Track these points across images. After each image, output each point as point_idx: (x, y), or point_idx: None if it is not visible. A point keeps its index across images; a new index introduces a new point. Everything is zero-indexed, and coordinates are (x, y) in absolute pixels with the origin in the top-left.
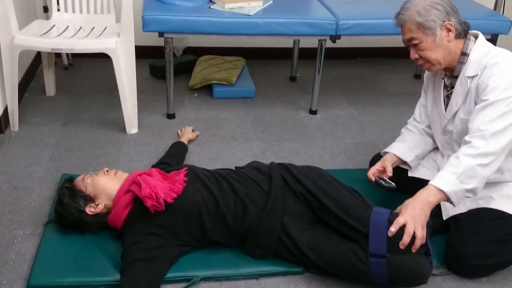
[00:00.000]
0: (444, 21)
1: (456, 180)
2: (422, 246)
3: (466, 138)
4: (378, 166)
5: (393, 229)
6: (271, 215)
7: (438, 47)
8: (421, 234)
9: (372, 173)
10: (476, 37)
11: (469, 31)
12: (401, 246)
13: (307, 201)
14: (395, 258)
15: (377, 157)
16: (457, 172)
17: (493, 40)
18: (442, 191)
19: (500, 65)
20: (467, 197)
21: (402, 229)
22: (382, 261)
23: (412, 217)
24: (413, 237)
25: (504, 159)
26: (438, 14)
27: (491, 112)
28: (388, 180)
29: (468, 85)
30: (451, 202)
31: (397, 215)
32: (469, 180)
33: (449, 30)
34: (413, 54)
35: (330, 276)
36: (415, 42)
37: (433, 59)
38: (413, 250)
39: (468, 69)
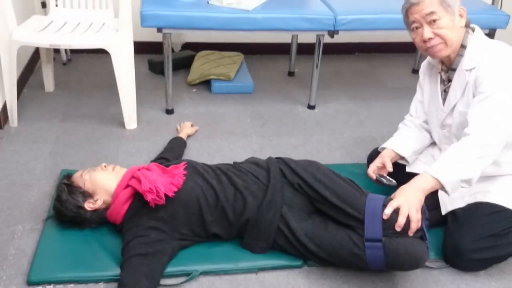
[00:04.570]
0: (460, 5)
1: (451, 170)
2: (417, 230)
3: (466, 130)
4: (377, 163)
5: (387, 211)
6: (270, 207)
7: (454, 28)
8: (416, 217)
9: (372, 170)
10: (473, 30)
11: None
12: (397, 228)
13: (305, 193)
14: (390, 242)
15: (375, 153)
16: (453, 162)
17: (491, 34)
18: (436, 179)
19: (497, 58)
20: (462, 187)
21: (396, 212)
22: (378, 245)
23: (406, 201)
24: (409, 221)
25: (501, 152)
26: None
27: (489, 105)
28: (388, 178)
29: (466, 78)
30: (445, 191)
31: (391, 200)
32: (465, 171)
33: (461, 16)
34: (428, 33)
35: (328, 269)
36: (435, 17)
37: (450, 40)
38: (410, 234)
39: (466, 62)
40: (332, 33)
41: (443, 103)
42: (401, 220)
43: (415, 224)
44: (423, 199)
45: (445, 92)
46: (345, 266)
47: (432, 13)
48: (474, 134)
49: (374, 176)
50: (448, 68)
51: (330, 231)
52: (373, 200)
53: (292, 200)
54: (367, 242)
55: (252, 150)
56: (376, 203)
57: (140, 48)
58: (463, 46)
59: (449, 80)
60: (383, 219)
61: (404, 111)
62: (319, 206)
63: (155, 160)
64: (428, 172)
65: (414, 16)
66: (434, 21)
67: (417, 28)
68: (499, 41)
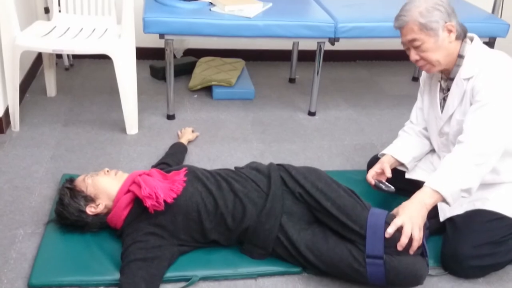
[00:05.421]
0: (446, 22)
1: (451, 181)
2: (418, 248)
3: (459, 138)
4: (376, 168)
5: (390, 230)
6: (270, 216)
7: (440, 48)
8: (418, 235)
9: (371, 176)
10: (471, 39)
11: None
12: (399, 248)
13: (305, 202)
14: (391, 259)
15: (374, 159)
16: (452, 172)
17: (491, 43)
18: (437, 192)
19: (494, 67)
20: (463, 196)
21: (399, 230)
22: (379, 262)
23: (410, 219)
24: (410, 239)
25: (499, 160)
26: (440, 15)
27: (485, 113)
28: (387, 184)
29: (464, 87)
30: (446, 203)
31: (394, 216)
32: (464, 180)
33: (450, 31)
34: (414, 56)
35: (327, 276)
36: (417, 43)
37: (435, 60)
38: (411, 252)
39: (464, 71)
40: (332, 41)
41: (442, 111)
42: (403, 241)
43: (417, 243)
44: (425, 216)
45: (444, 100)
46: (344, 279)
47: (413, 40)
48: (469, 142)
49: (373, 182)
50: (447, 77)
51: (330, 243)
52: (375, 215)
53: (292, 209)
54: (368, 258)
55: (252, 156)
56: (378, 218)
57: (142, 54)
58: (460, 56)
59: (449, 89)
60: (385, 236)
61: (403, 118)
62: (319, 216)
63: (156, 166)
64: (428, 185)
65: (402, 39)
66: (417, 46)
67: (406, 49)
68: (497, 50)
